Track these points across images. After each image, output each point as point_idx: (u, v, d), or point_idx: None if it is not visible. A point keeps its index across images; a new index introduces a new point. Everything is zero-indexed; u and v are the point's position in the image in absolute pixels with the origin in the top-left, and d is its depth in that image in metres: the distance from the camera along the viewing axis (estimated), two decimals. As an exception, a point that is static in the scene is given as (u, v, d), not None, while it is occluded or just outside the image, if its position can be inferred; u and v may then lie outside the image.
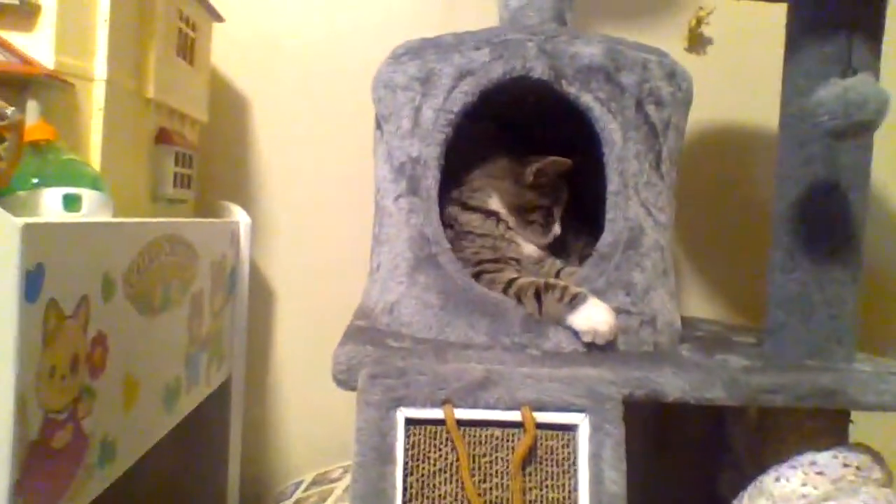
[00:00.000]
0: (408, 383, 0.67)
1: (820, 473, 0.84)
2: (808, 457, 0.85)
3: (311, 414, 1.31)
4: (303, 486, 1.18)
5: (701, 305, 1.38)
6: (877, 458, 0.87)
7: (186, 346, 0.92)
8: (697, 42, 1.36)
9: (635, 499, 0.93)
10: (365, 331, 0.88)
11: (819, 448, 0.85)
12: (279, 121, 1.29)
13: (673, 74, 0.89)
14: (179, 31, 1.00)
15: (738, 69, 1.35)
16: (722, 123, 1.37)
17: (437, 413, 0.67)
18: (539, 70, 0.83)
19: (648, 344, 0.88)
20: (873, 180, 0.90)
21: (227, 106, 1.27)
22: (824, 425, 0.88)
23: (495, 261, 0.89)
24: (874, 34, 0.86)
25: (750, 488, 0.89)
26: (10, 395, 0.50)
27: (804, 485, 0.83)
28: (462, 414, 0.67)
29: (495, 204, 0.95)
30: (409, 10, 1.30)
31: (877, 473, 0.85)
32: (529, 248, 0.96)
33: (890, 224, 1.40)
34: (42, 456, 0.55)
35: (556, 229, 0.97)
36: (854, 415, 0.91)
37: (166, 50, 0.95)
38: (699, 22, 1.33)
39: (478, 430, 0.67)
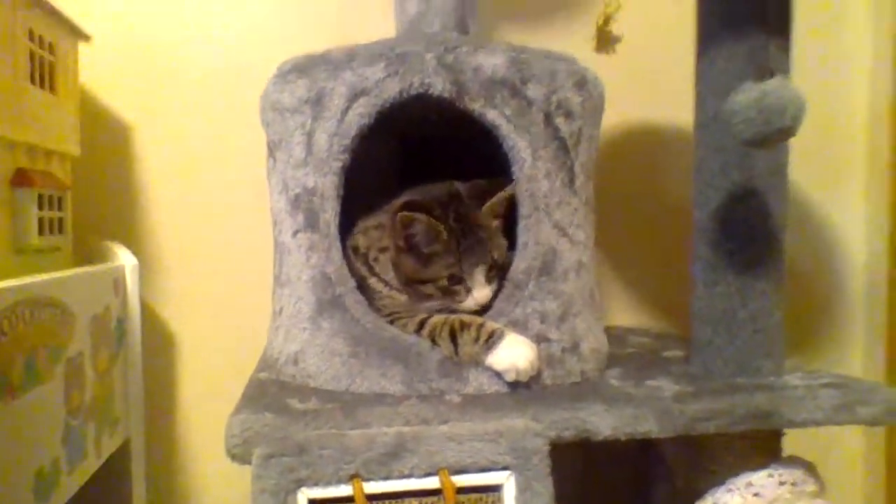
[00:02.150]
0: (309, 461, 0.59)
1: (756, 495, 0.82)
2: (744, 478, 0.83)
3: (226, 467, 1.20)
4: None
5: (628, 312, 1.35)
6: (810, 469, 0.85)
7: (64, 422, 0.80)
8: (606, 41, 1.32)
9: None
10: (266, 388, 0.79)
11: (754, 466, 0.83)
12: (166, 148, 1.17)
13: (584, 82, 0.83)
14: (31, 54, 0.88)
15: (650, 67, 1.31)
16: (636, 123, 1.34)
17: (344, 490, 0.59)
18: (440, 86, 0.76)
19: (575, 374, 0.82)
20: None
21: (106, 135, 1.15)
22: (758, 442, 0.85)
23: (399, 313, 0.81)
24: (785, 31, 0.83)
25: (688, 515, 0.86)
26: None
27: (742, 508, 0.80)
28: (373, 488, 0.59)
29: (382, 269, 0.84)
30: (304, 17, 1.20)
31: (810, 486, 0.84)
32: None
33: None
34: None
35: (485, 291, 0.80)
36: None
37: (14, 77, 0.83)
38: (607, 20, 1.28)
39: (392, 503, 0.60)
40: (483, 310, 0.81)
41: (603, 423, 0.71)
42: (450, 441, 0.61)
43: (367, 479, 0.59)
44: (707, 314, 0.86)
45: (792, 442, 0.86)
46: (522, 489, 0.61)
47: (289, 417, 0.67)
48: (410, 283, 0.82)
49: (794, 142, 1.34)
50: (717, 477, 0.84)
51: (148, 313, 1.14)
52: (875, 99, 1.36)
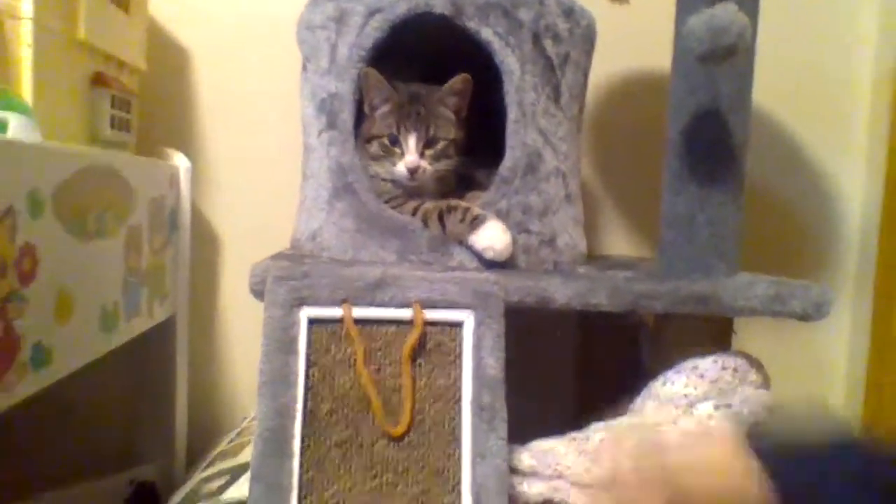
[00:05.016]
0: (310, 285, 0.75)
1: (700, 376, 0.92)
2: (691, 362, 0.93)
3: (258, 351, 1.38)
4: (250, 417, 1.26)
5: (640, 247, 1.46)
6: (754, 362, 0.95)
7: (124, 276, 0.98)
8: (620, -7, 1.42)
9: (563, 415, 1.01)
10: (288, 254, 0.95)
11: (703, 355, 0.94)
12: (218, 69, 1.35)
13: (571, 12, 0.96)
14: (111, -22, 1.05)
15: (660, 18, 1.41)
16: (649, 69, 1.44)
17: (336, 312, 0.74)
18: (440, 6, 0.90)
19: (549, 263, 0.96)
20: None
21: (168, 57, 1.32)
22: (708, 334, 0.96)
23: (395, 197, 0.96)
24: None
25: (643, 392, 0.98)
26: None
27: (686, 386, 0.92)
28: (359, 312, 0.75)
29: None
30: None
31: (753, 376, 0.94)
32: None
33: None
34: (-30, 344, 0.62)
35: (413, 157, 0.93)
36: (742, 328, 1.00)
37: (97, -4, 1.01)
38: (620, -28, 1.39)
39: (373, 326, 0.75)
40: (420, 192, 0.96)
41: (559, 292, 0.84)
42: (423, 280, 0.76)
43: (355, 305, 0.75)
44: (671, 218, 0.97)
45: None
46: (479, 323, 0.76)
47: (303, 264, 0.82)
48: (364, 143, 0.96)
49: (804, 98, 1.44)
50: (671, 363, 0.96)
51: (197, 213, 1.32)
52: (880, 59, 1.44)
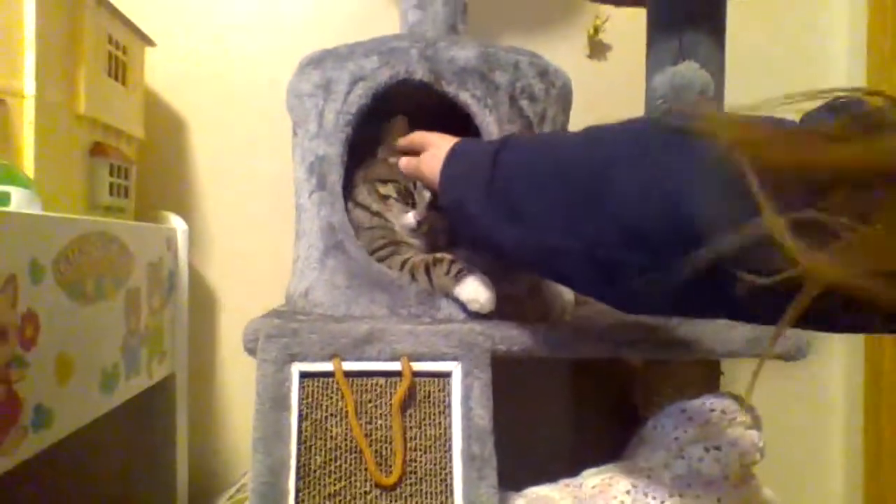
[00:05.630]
0: (301, 342, 0.77)
1: (689, 419, 0.94)
2: (680, 405, 0.95)
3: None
4: (249, 472, 1.27)
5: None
6: (741, 403, 0.96)
7: (123, 337, 1.01)
8: (597, 49, 1.49)
9: (557, 461, 1.03)
10: (280, 311, 0.98)
11: (691, 397, 0.96)
12: (213, 135, 1.40)
13: (545, 73, 1.01)
14: (109, 54, 1.11)
15: (636, 72, 1.48)
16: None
17: (327, 366, 0.77)
18: (420, 73, 0.95)
19: (536, 312, 0.98)
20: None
21: (165, 125, 1.38)
22: (695, 377, 0.99)
23: (386, 245, 0.99)
24: (715, 30, 0.99)
25: (634, 438, 1.00)
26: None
27: (675, 429, 0.94)
28: (349, 366, 0.77)
29: (363, 197, 1.02)
30: (326, 29, 1.43)
31: (742, 417, 0.95)
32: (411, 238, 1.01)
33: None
34: (-27, 409, 0.65)
35: (420, 213, 0.98)
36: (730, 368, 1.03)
37: (96, 71, 1.06)
38: (596, 30, 1.47)
39: (363, 379, 0.78)
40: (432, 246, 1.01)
41: (545, 342, 0.87)
42: (410, 334, 0.79)
43: (345, 359, 0.77)
44: (651, 266, 1.01)
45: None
46: (466, 374, 0.78)
47: (293, 321, 0.85)
48: (375, 182, 1.00)
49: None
50: (660, 406, 0.98)
51: (194, 274, 1.36)
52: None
